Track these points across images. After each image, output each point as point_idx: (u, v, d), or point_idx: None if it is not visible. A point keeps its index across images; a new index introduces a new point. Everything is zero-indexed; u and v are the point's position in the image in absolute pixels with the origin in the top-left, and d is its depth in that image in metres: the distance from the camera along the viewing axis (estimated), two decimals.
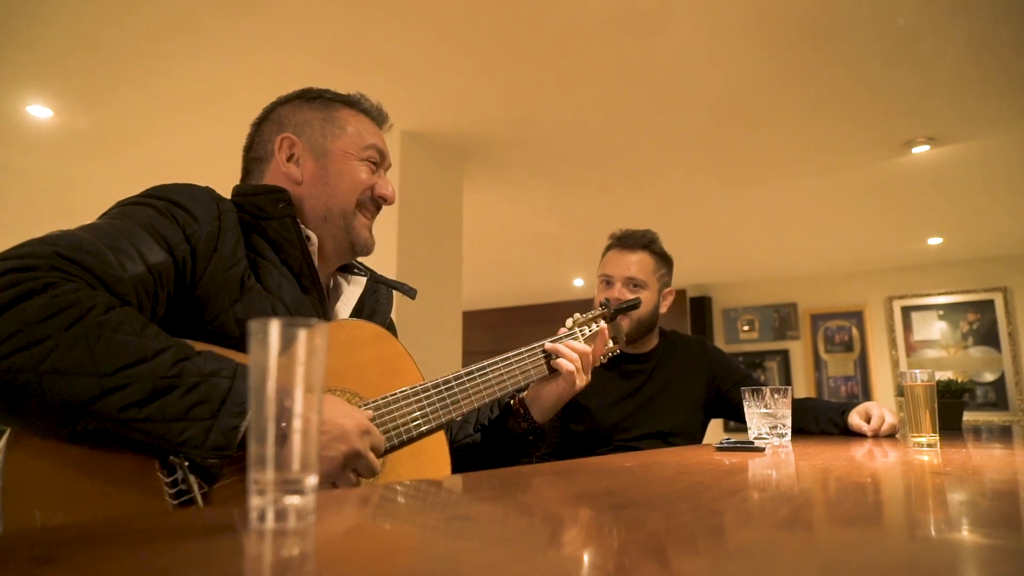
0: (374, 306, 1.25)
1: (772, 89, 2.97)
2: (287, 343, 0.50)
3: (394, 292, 1.31)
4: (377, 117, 1.21)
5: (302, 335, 0.51)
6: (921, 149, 3.58)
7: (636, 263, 1.92)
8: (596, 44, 2.61)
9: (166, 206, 0.93)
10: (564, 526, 0.51)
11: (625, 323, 1.84)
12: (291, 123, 1.14)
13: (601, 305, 1.43)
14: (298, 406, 0.50)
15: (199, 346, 0.84)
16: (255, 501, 0.48)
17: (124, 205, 0.93)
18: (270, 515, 0.47)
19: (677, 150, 3.66)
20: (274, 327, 0.49)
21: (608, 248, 2.01)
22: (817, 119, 3.27)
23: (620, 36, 2.56)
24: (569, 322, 1.37)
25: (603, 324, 1.38)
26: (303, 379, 0.51)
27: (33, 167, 3.56)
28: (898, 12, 2.40)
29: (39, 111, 3.00)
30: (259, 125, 1.17)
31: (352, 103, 1.18)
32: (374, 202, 1.16)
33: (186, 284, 0.91)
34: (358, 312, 1.20)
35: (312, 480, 0.50)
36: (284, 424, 0.49)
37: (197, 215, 0.94)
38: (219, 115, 3.08)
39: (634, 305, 1.47)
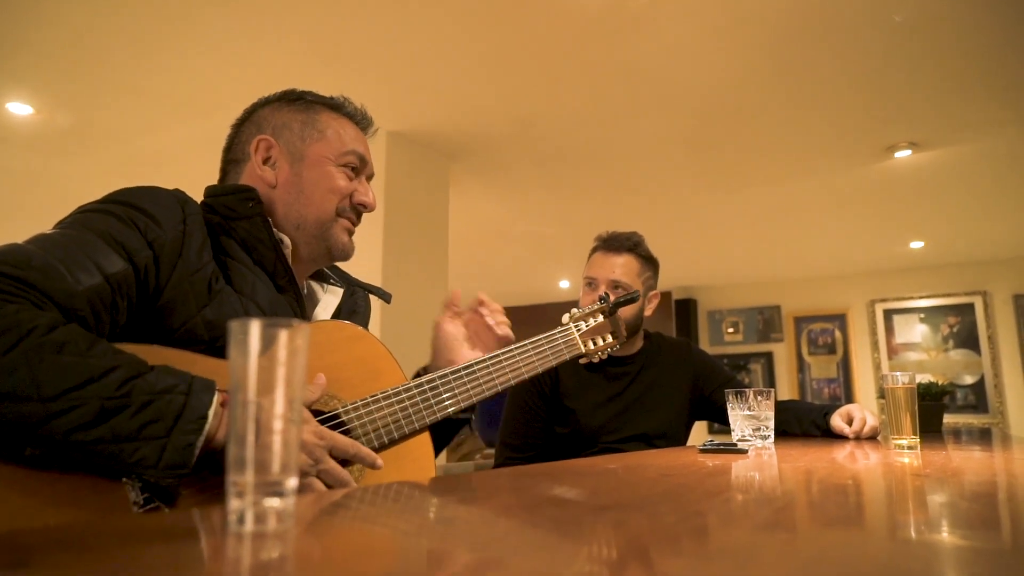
0: (352, 308, 1.22)
1: (757, 90, 2.99)
2: (267, 344, 0.50)
3: (372, 296, 1.29)
4: (361, 121, 1.18)
5: (283, 336, 0.50)
6: (903, 154, 3.62)
7: (621, 266, 1.92)
8: (582, 44, 2.62)
9: (126, 211, 0.90)
10: (546, 528, 0.50)
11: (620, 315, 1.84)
12: (270, 125, 1.11)
13: (600, 299, 1.38)
14: (278, 407, 0.50)
15: (161, 355, 0.82)
16: (234, 503, 0.47)
17: (82, 212, 0.90)
18: (249, 517, 0.47)
19: (663, 152, 3.68)
20: (254, 328, 0.49)
21: (593, 250, 2.01)
22: (802, 122, 3.30)
23: (606, 36, 2.56)
24: (566, 317, 1.34)
25: (601, 319, 1.35)
26: (284, 380, 0.50)
27: (12, 164, 3.51)
28: (883, 17, 2.42)
29: (19, 108, 2.96)
30: (239, 126, 1.14)
31: (335, 106, 1.15)
32: (355, 209, 1.13)
33: (150, 291, 0.89)
34: (336, 318, 1.18)
35: (292, 482, 0.50)
36: (264, 426, 0.49)
37: (160, 219, 0.91)
38: (201, 112, 3.05)
39: (632, 299, 1.43)
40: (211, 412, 0.76)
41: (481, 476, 0.83)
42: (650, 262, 1.99)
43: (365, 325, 1.23)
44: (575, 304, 1.99)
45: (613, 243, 1.95)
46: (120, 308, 0.85)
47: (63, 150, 3.39)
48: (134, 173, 3.70)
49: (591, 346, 1.30)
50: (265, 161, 1.09)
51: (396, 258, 3.28)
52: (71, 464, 0.73)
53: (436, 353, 1.27)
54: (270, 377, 0.49)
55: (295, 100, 1.14)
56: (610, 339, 1.34)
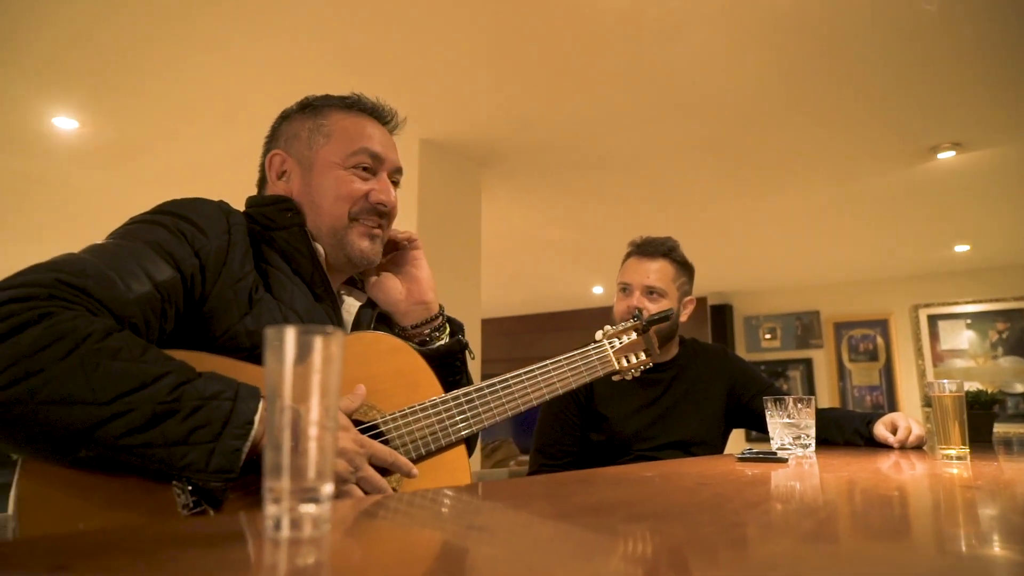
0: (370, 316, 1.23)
1: (791, 94, 2.94)
2: (303, 351, 0.50)
3: None
4: (377, 115, 1.15)
5: (318, 343, 0.51)
6: (947, 155, 3.52)
7: (656, 271, 1.90)
8: (612, 51, 2.61)
9: (174, 222, 0.93)
10: (582, 537, 0.50)
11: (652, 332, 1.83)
12: (283, 137, 1.13)
13: (633, 317, 1.38)
14: (314, 414, 0.50)
15: (207, 362, 0.84)
16: (270, 509, 0.47)
17: (132, 223, 0.93)
18: (285, 523, 0.47)
19: (695, 156, 3.64)
20: (290, 335, 0.49)
21: (627, 256, 1.99)
22: (839, 124, 3.23)
23: (636, 42, 2.55)
24: (599, 334, 1.34)
25: (635, 336, 1.35)
26: (319, 387, 0.51)
27: (58, 176, 3.63)
28: (922, 13, 2.37)
29: (64, 122, 3.05)
30: (267, 144, 1.16)
31: (346, 104, 1.13)
32: (373, 210, 1.10)
33: (196, 299, 0.91)
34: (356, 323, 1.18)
35: (328, 488, 0.50)
36: (300, 432, 0.49)
37: (206, 230, 0.94)
38: (236, 125, 3.11)
39: (666, 317, 1.43)
40: (256, 418, 0.77)
41: (515, 483, 0.83)
42: (685, 267, 1.97)
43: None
44: (608, 310, 1.98)
45: (647, 248, 1.94)
46: (168, 315, 0.88)
47: (105, 162, 3.49)
48: (172, 184, 3.79)
49: (624, 363, 1.31)
50: (280, 175, 1.11)
51: (429, 264, 3.30)
52: (123, 467, 0.75)
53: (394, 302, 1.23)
54: (306, 384, 0.50)
55: (305, 107, 1.14)
56: (643, 356, 1.34)
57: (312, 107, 1.13)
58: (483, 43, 2.56)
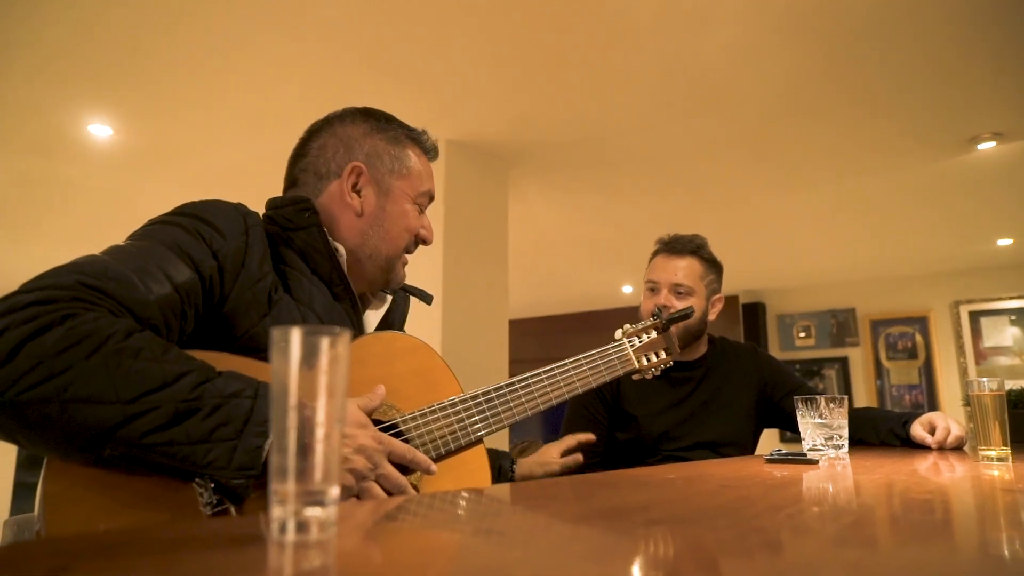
0: (392, 307, 1.24)
1: (824, 85, 2.87)
2: (309, 351, 0.49)
3: (410, 297, 1.30)
4: (434, 156, 1.23)
5: (324, 343, 0.50)
6: (987, 145, 3.40)
7: (683, 269, 1.87)
8: (641, 45, 2.57)
9: (192, 223, 0.94)
10: (592, 541, 0.48)
11: (673, 331, 1.80)
12: (362, 151, 1.13)
13: (653, 316, 1.38)
14: (320, 416, 0.49)
15: (228, 362, 0.85)
16: (276, 512, 0.47)
17: (151, 225, 0.95)
18: (291, 527, 0.46)
19: (725, 151, 3.58)
20: (295, 335, 0.49)
21: (655, 253, 1.97)
22: (873, 116, 3.15)
23: (663, 36, 2.51)
24: (619, 333, 1.34)
25: (655, 335, 1.34)
26: (325, 388, 0.50)
27: (93, 182, 3.71)
28: (959, 1, 2.29)
29: (99, 129, 3.12)
30: (318, 135, 1.15)
31: (417, 139, 1.20)
32: (416, 243, 1.18)
33: (215, 300, 0.92)
34: (384, 324, 1.21)
35: (334, 491, 0.49)
36: (306, 434, 0.48)
37: (224, 231, 0.95)
38: (267, 127, 3.15)
39: (686, 315, 1.42)
40: None
41: (534, 485, 0.81)
42: (713, 265, 1.94)
43: (403, 321, 1.27)
44: (638, 309, 1.95)
45: (675, 245, 1.91)
46: (188, 316, 0.89)
47: (138, 168, 3.56)
48: (206, 188, 3.85)
49: (644, 362, 1.30)
50: (354, 186, 1.12)
51: (456, 265, 3.30)
52: (147, 465, 0.75)
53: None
54: (312, 385, 0.49)
55: (385, 129, 1.16)
56: (663, 355, 1.34)
57: (390, 130, 1.15)
58: (509, 41, 2.55)
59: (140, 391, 0.73)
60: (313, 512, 0.47)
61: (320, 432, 0.49)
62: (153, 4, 2.27)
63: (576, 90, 2.92)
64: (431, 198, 1.20)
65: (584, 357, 1.23)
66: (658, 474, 0.94)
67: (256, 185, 3.85)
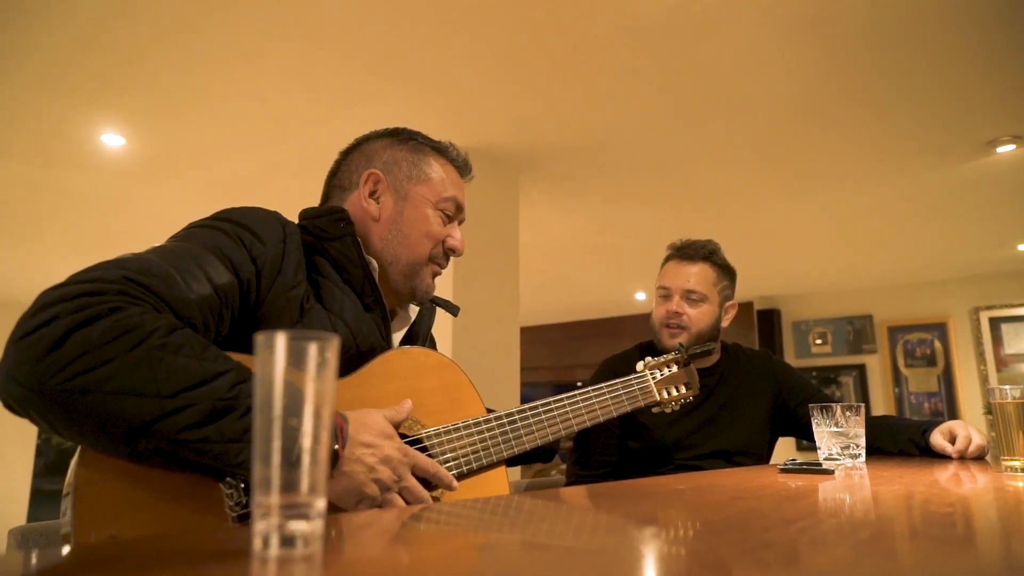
0: (418, 319, 1.25)
1: (837, 89, 2.83)
2: (296, 357, 0.47)
3: (437, 307, 1.31)
4: (463, 168, 1.23)
5: (312, 349, 0.48)
6: (1006, 148, 3.34)
7: (696, 275, 1.84)
8: (649, 49, 2.55)
9: (234, 228, 0.96)
10: (586, 557, 0.46)
11: (683, 338, 1.77)
12: (380, 160, 1.17)
13: (675, 350, 1.39)
14: (308, 425, 0.47)
15: None
16: (259, 526, 0.45)
17: (193, 227, 0.97)
18: (274, 541, 0.44)
19: (738, 156, 3.54)
20: (280, 340, 0.47)
21: (667, 259, 1.94)
22: (887, 119, 3.10)
23: (673, 40, 2.49)
24: (640, 365, 1.35)
25: (676, 369, 1.34)
26: (313, 395, 0.48)
27: (106, 191, 3.74)
28: (975, 3, 2.25)
29: (112, 139, 3.14)
30: (347, 155, 1.20)
31: (441, 150, 1.20)
32: (445, 254, 1.18)
33: (250, 304, 0.93)
34: (409, 335, 1.22)
35: (321, 503, 0.47)
36: (292, 445, 0.46)
37: (264, 237, 0.97)
38: (278, 135, 3.15)
39: (708, 351, 1.43)
40: None
41: (538, 496, 0.79)
42: (726, 271, 1.91)
43: (428, 332, 1.28)
44: (650, 316, 1.92)
45: (687, 251, 1.88)
46: (225, 318, 0.91)
47: (151, 177, 3.58)
48: (217, 197, 3.87)
49: (665, 395, 1.31)
50: (371, 194, 1.15)
51: (467, 272, 3.29)
52: (180, 461, 0.77)
53: None
54: (297, 394, 0.47)
55: (406, 140, 1.19)
56: (684, 390, 1.35)
57: (412, 141, 1.19)
58: (518, 46, 2.54)
59: (180, 387, 0.74)
60: (298, 526, 0.45)
61: (307, 442, 0.47)
62: (164, 16, 2.29)
63: (586, 95, 2.90)
64: (459, 207, 1.19)
65: (607, 386, 1.25)
66: (667, 484, 0.92)
67: (267, 193, 3.86)
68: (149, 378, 0.73)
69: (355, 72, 2.69)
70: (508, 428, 1.09)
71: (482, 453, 1.06)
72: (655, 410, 1.32)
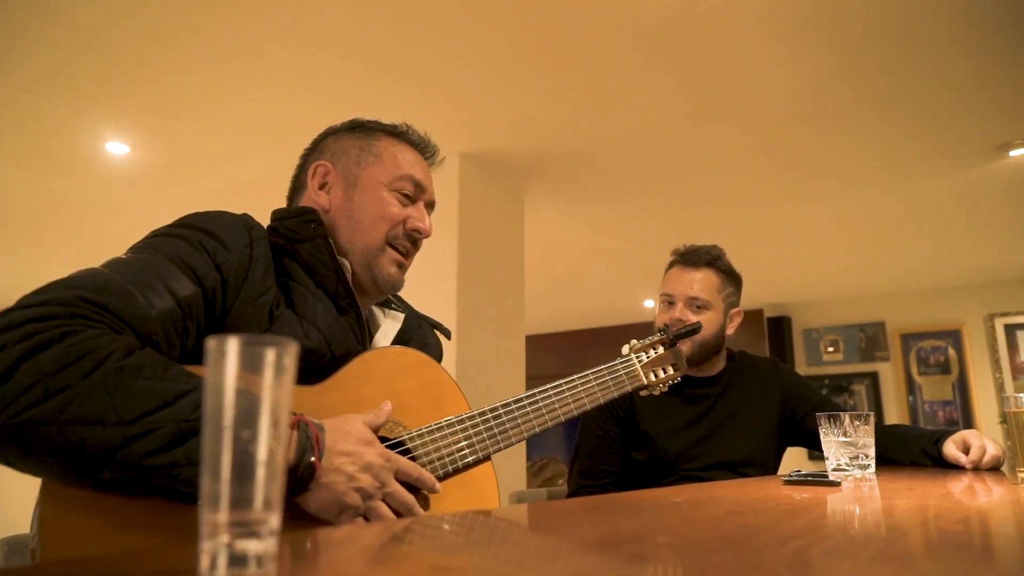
0: (423, 341, 1.22)
1: (846, 91, 2.79)
2: (251, 363, 0.44)
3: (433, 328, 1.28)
4: (423, 148, 1.18)
5: (269, 354, 0.45)
6: (1020, 152, 3.29)
7: (700, 281, 1.81)
8: (655, 53, 2.52)
9: (196, 235, 0.92)
10: None
11: (686, 347, 1.73)
12: (329, 151, 1.14)
13: (660, 331, 1.35)
14: (263, 436, 0.44)
15: None
16: (206, 545, 0.41)
17: (154, 237, 0.93)
18: (222, 562, 0.41)
19: (746, 160, 3.50)
20: (232, 345, 0.44)
21: (670, 265, 1.90)
22: (898, 121, 3.05)
23: (680, 43, 2.46)
24: (626, 348, 1.31)
25: (662, 350, 1.31)
26: (269, 404, 0.45)
27: (109, 199, 3.74)
28: (986, 4, 2.20)
29: (116, 147, 3.14)
30: (307, 155, 1.17)
31: (396, 133, 1.16)
32: (408, 237, 1.11)
33: (217, 314, 0.90)
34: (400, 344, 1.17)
35: (275, 520, 0.44)
36: (244, 458, 0.43)
37: (227, 243, 0.93)
38: (281, 141, 3.14)
39: (693, 330, 1.39)
40: None
41: (522, 510, 0.75)
42: (731, 277, 1.87)
43: (438, 360, 1.23)
44: (653, 324, 1.89)
45: (691, 257, 1.85)
46: (190, 331, 0.87)
47: (156, 185, 3.59)
48: (220, 203, 3.82)
49: (652, 377, 1.28)
50: (321, 186, 1.11)
51: (471, 280, 3.25)
52: (149, 488, 0.73)
53: None
54: (252, 402, 0.44)
55: (356, 128, 1.15)
56: (671, 371, 1.31)
57: (362, 128, 1.15)
58: (521, 53, 2.52)
59: (140, 411, 0.70)
60: (250, 545, 0.42)
61: (263, 454, 0.44)
62: (167, 23, 2.28)
63: (591, 99, 2.87)
64: (418, 186, 1.12)
65: (592, 373, 1.21)
66: (664, 497, 0.88)
67: (272, 199, 3.83)
68: (107, 405, 0.69)
69: (360, 78, 2.67)
70: (493, 423, 1.06)
71: (467, 451, 1.02)
72: (643, 393, 1.28)
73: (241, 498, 0.42)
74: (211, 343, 0.44)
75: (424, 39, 2.43)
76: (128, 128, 3.01)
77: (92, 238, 4.38)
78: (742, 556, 0.46)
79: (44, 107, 2.78)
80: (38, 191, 3.64)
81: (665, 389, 1.30)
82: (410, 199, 1.12)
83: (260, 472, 0.43)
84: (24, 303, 0.73)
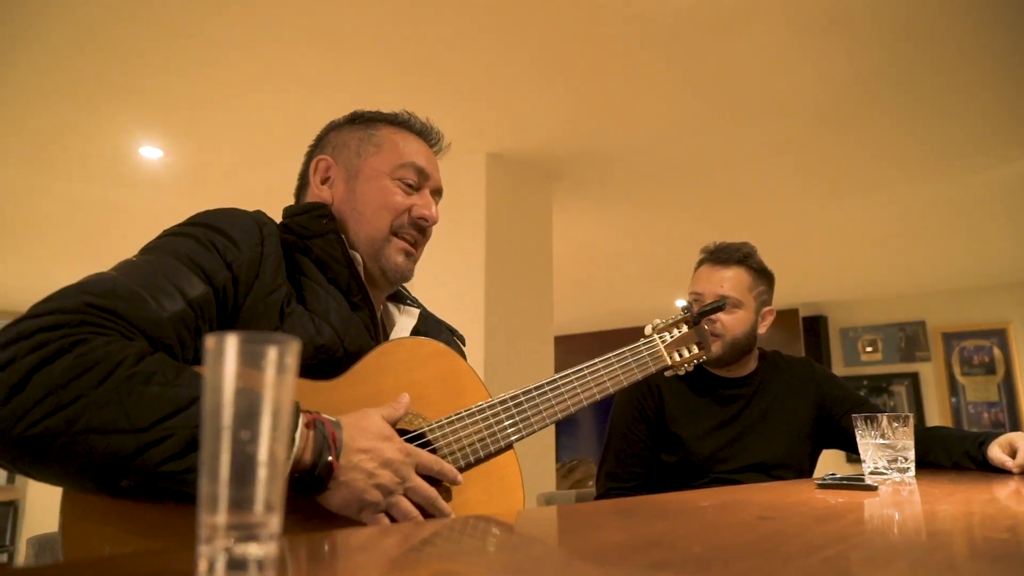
0: (423, 326, 1.20)
1: (877, 84, 2.70)
2: (251, 361, 0.43)
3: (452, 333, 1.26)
4: (425, 135, 1.15)
5: (270, 352, 0.44)
6: None
7: (729, 280, 1.76)
8: (679, 51, 2.48)
9: (206, 233, 0.91)
10: None
11: (716, 347, 1.69)
12: (331, 145, 1.13)
13: (684, 309, 1.30)
14: (264, 436, 0.43)
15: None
16: (203, 549, 0.40)
17: (164, 236, 0.92)
18: (220, 566, 0.40)
19: (779, 158, 3.42)
20: (231, 342, 0.42)
21: (700, 263, 1.86)
22: (937, 115, 2.95)
23: (704, 40, 2.41)
24: (648, 328, 1.27)
25: (686, 329, 1.27)
26: (271, 404, 0.43)
27: (145, 204, 3.82)
28: None
29: (150, 152, 3.20)
30: (311, 151, 1.17)
31: (396, 121, 1.14)
32: (414, 225, 1.08)
33: (228, 312, 0.89)
34: None
35: (275, 523, 0.42)
36: (243, 459, 0.42)
37: (238, 240, 0.92)
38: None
39: (718, 307, 1.34)
40: (297, 435, 0.74)
41: (543, 513, 0.73)
42: (763, 275, 1.82)
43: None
44: None
45: (721, 255, 1.80)
46: (203, 331, 0.86)
47: (189, 189, 3.65)
48: (250, 207, 3.90)
49: (676, 358, 1.24)
50: (324, 181, 1.10)
51: (499, 281, 3.23)
52: (167, 494, 0.72)
53: None
54: (253, 401, 0.43)
55: (357, 119, 1.14)
56: (696, 350, 1.27)
57: (362, 119, 1.13)
58: (547, 53, 2.50)
59: (154, 418, 0.70)
60: (250, 549, 0.41)
61: (263, 455, 0.42)
62: (198, 31, 2.32)
63: (616, 100, 2.84)
64: (422, 173, 1.09)
65: (614, 355, 1.17)
66: (690, 501, 0.85)
67: None
68: (120, 413, 0.69)
69: (385, 79, 2.68)
70: (514, 410, 1.03)
71: (488, 440, 1.00)
72: (668, 373, 1.25)
73: (241, 500, 0.41)
74: (210, 341, 0.42)
75: (450, 41, 2.43)
76: (162, 133, 3.06)
77: (124, 241, 4.47)
78: (766, 565, 0.43)
79: (81, 114, 2.84)
80: (74, 198, 3.73)
81: (690, 368, 1.27)
82: (414, 187, 1.09)
83: (261, 473, 0.42)
84: (33, 312, 0.73)
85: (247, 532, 0.41)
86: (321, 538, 0.58)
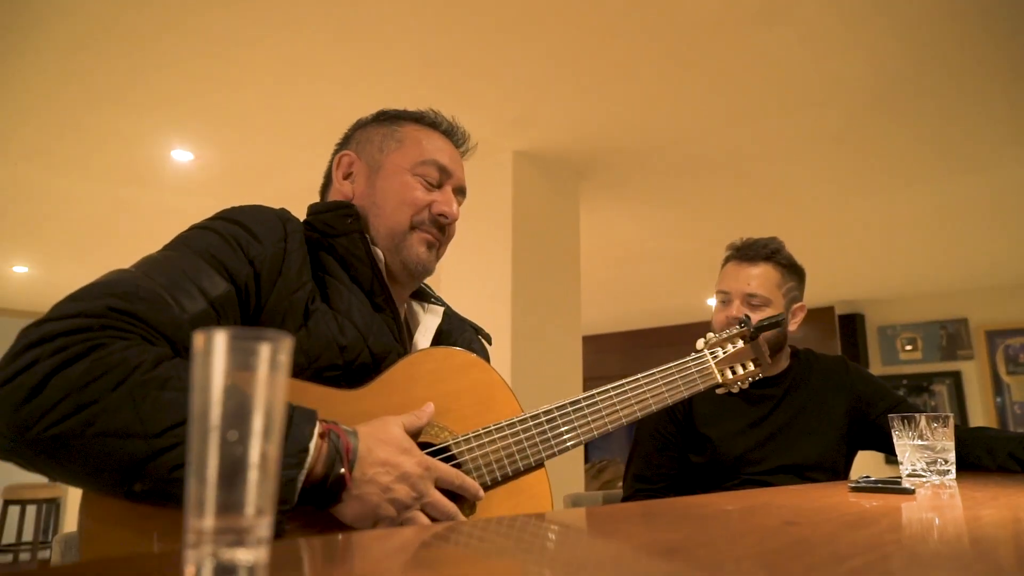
0: (468, 347, 1.17)
1: (920, 76, 2.62)
2: (242, 359, 0.41)
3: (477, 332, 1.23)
4: (449, 133, 1.14)
5: (263, 350, 0.42)
6: None
7: (757, 277, 1.71)
8: (712, 41, 2.42)
9: (228, 228, 0.91)
10: None
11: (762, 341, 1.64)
12: (355, 141, 1.13)
13: (740, 323, 1.25)
14: (256, 437, 0.41)
15: None
16: (190, 554, 0.39)
17: (188, 231, 0.92)
18: (207, 571, 0.38)
19: (815, 152, 3.34)
20: (219, 339, 0.41)
21: (726, 260, 1.82)
22: (977, 108, 2.85)
23: (737, 29, 2.35)
24: (700, 343, 1.21)
25: (742, 344, 1.21)
26: (263, 403, 0.42)
27: (172, 205, 3.88)
28: None
29: (181, 155, 3.25)
30: (337, 149, 1.16)
31: (420, 119, 1.13)
32: (434, 223, 1.07)
33: (251, 310, 0.88)
34: (441, 342, 1.13)
35: (265, 527, 0.41)
36: (233, 461, 0.40)
37: (261, 237, 0.91)
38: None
39: (778, 322, 1.28)
40: (312, 444, 0.73)
41: (556, 516, 0.71)
42: (792, 270, 1.76)
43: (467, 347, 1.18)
44: (711, 323, 1.80)
45: (748, 251, 1.75)
46: None
47: (219, 191, 3.70)
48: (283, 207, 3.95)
49: (729, 375, 1.18)
50: (346, 176, 1.10)
51: (526, 279, 3.21)
52: (179, 500, 0.71)
53: None
54: (244, 401, 0.41)
55: (381, 116, 1.14)
56: (751, 367, 1.20)
57: (388, 117, 1.13)
58: (575, 48, 2.47)
59: (167, 424, 0.70)
60: (240, 555, 0.39)
61: (255, 456, 0.41)
62: (226, 34, 2.35)
63: (645, 96, 2.79)
64: (443, 170, 1.08)
65: (659, 371, 1.11)
66: (715, 504, 0.81)
67: None
68: (134, 418, 0.69)
69: (413, 78, 2.68)
70: (547, 426, 0.99)
71: (518, 456, 0.96)
72: (720, 391, 1.18)
73: (230, 503, 0.39)
74: (197, 338, 0.41)
75: (477, 39, 2.41)
76: (193, 136, 3.10)
77: (155, 243, 4.55)
78: None
79: (115, 118, 2.89)
80: (108, 200, 3.80)
81: (745, 386, 1.20)
82: (435, 185, 1.08)
83: (252, 475, 0.40)
84: (57, 314, 0.73)
85: (236, 536, 0.39)
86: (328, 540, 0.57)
